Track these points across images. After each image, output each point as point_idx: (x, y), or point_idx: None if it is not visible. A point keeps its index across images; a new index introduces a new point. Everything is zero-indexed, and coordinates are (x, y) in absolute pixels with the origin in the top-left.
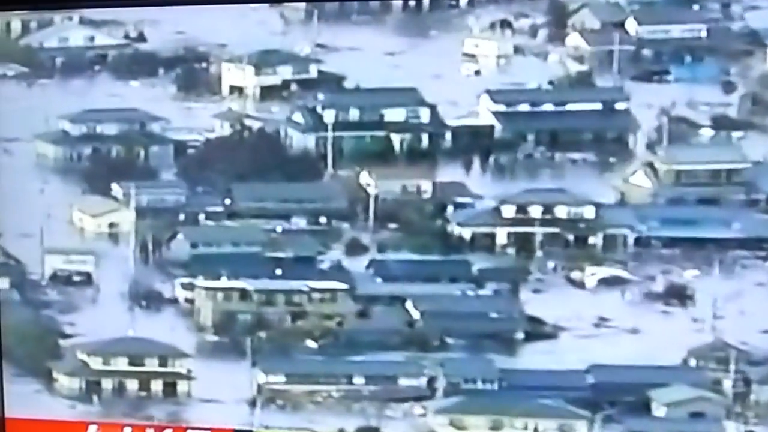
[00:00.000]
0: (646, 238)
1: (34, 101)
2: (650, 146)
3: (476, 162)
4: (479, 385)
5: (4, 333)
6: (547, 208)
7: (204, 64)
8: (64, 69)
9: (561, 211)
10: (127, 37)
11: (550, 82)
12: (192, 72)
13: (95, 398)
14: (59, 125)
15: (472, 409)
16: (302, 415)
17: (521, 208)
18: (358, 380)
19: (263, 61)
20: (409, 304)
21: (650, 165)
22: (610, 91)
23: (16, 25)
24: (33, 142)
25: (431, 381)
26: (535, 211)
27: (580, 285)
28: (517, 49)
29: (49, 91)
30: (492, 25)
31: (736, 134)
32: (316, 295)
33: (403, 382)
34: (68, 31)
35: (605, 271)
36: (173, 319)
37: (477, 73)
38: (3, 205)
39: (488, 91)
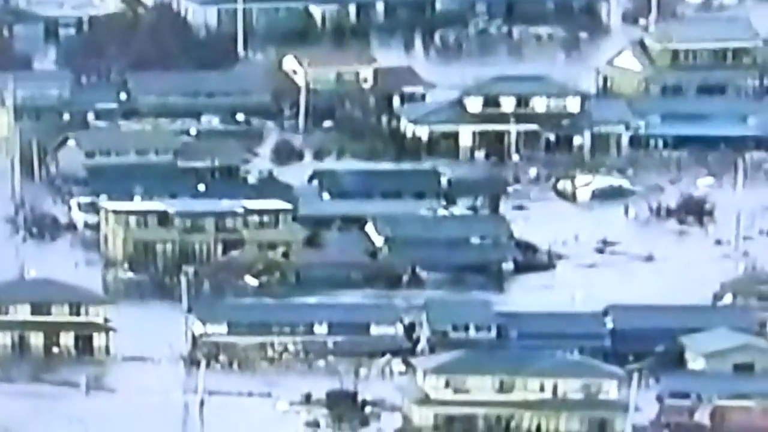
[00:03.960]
0: (644, 137)
1: None
2: (629, 17)
3: (418, 40)
4: (472, 334)
5: None
6: (521, 100)
7: None
8: None
9: (539, 104)
10: None
11: None
12: None
13: None
14: None
15: (473, 367)
16: (255, 376)
17: (490, 101)
18: (320, 329)
19: None
20: (369, 228)
21: (640, 43)
22: None
23: None
24: None
25: (410, 329)
26: (508, 104)
27: (570, 198)
28: None
29: None
30: None
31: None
32: (253, 219)
33: (376, 330)
34: None
35: (600, 181)
36: (74, 250)
37: None
38: None
39: None
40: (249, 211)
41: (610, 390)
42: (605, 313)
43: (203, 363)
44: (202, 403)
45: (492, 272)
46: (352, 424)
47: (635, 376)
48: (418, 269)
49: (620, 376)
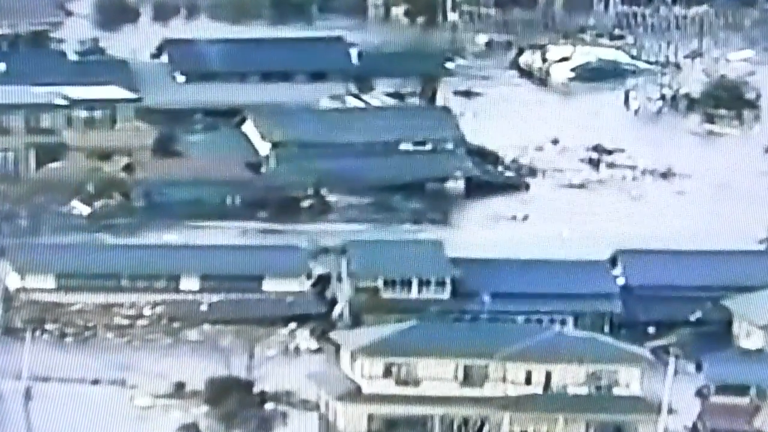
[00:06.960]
0: None
1: None
2: None
3: None
4: (416, 293)
5: None
6: None
7: None
8: None
9: None
10: None
11: None
12: None
13: None
14: None
15: (425, 345)
16: (101, 353)
17: None
18: (188, 283)
19: None
20: (248, 128)
21: None
22: None
23: None
24: None
25: (322, 283)
26: None
27: (541, 79)
28: None
29: None
30: None
31: None
32: (77, 114)
33: (270, 285)
34: None
35: (583, 53)
36: None
37: None
38: None
39: None
40: (73, 103)
41: (630, 381)
42: (613, 261)
43: (28, 335)
44: (27, 394)
45: (434, 195)
46: (248, 427)
47: (672, 360)
48: (323, 190)
49: (645, 359)
